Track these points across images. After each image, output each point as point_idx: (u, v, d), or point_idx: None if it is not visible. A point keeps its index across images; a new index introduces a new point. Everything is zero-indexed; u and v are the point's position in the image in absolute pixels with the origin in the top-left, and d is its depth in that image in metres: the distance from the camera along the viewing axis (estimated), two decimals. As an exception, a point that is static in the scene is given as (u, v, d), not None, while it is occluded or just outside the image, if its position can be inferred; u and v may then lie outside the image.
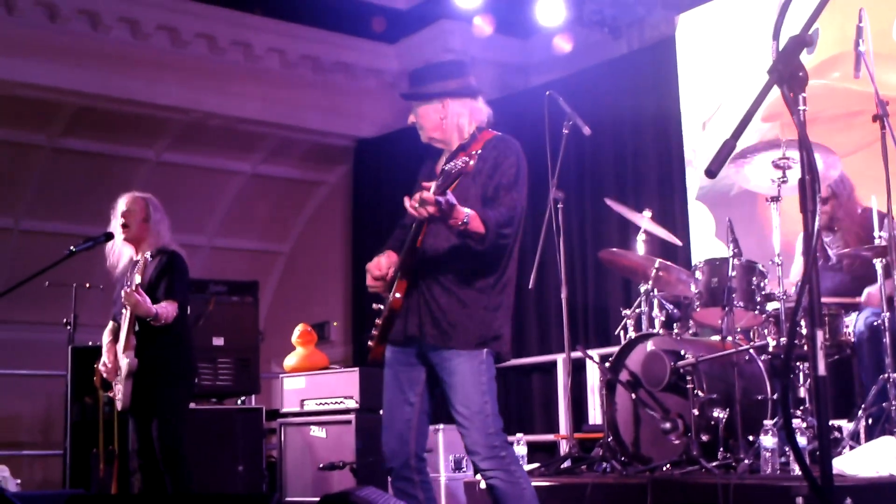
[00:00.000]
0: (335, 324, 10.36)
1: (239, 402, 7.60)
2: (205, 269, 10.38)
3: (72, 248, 5.48)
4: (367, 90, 10.22)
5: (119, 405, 5.34)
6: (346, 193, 10.92)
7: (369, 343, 3.93)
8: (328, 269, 11.10)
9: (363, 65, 10.03)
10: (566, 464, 5.76)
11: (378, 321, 3.88)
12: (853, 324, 5.33)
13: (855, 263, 5.55)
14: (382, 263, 3.86)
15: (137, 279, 5.20)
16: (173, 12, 9.04)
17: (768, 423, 4.65)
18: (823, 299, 5.31)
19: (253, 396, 7.70)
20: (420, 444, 3.88)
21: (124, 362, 5.24)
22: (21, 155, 9.57)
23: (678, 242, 6.43)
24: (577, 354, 6.30)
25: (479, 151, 3.62)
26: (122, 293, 5.23)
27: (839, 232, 5.72)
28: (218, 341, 7.53)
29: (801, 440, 4.55)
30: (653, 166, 7.97)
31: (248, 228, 11.25)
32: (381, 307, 3.87)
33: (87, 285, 7.40)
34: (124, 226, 5.49)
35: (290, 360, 7.14)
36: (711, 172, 2.49)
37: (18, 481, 6.64)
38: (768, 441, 4.62)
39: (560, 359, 7.61)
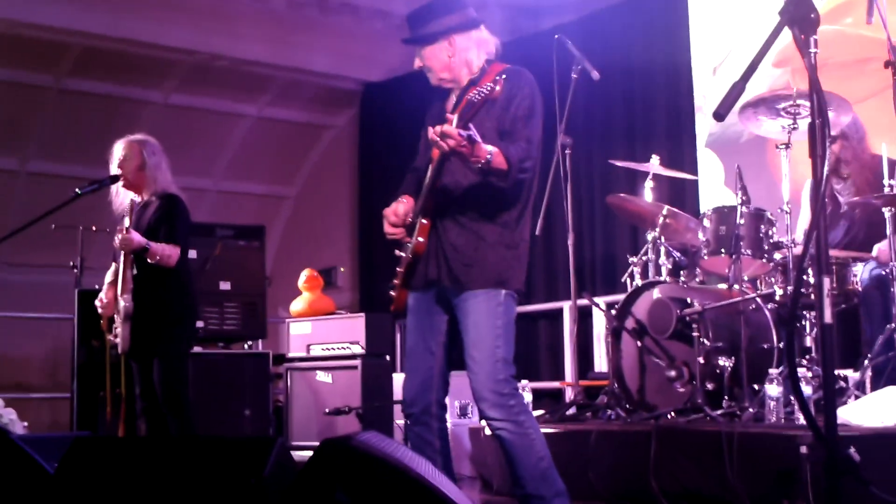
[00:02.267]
0: (342, 269, 10.34)
1: (246, 346, 7.62)
2: (211, 212, 10.37)
3: (77, 190, 5.44)
4: (374, 32, 10.11)
5: (119, 348, 5.35)
6: (354, 137, 10.86)
7: (391, 293, 3.86)
8: (335, 214, 11.06)
9: (370, 6, 9.91)
10: (571, 411, 5.76)
11: (399, 269, 3.80)
12: (860, 273, 5.31)
13: (867, 211, 5.51)
14: (400, 210, 3.78)
15: (126, 222, 5.19)
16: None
17: (773, 371, 4.64)
18: (833, 252, 5.33)
19: (260, 341, 7.72)
20: (442, 391, 3.82)
21: (122, 305, 5.23)
22: (28, 96, 9.50)
23: (693, 177, 6.38)
24: (583, 302, 6.28)
25: (503, 76, 3.48)
26: (115, 237, 5.22)
27: (849, 179, 5.65)
28: (225, 286, 7.54)
29: (807, 389, 4.53)
30: (662, 112, 7.90)
31: (254, 172, 11.19)
32: (403, 254, 3.79)
33: (94, 228, 7.38)
34: (122, 172, 5.46)
35: (297, 305, 7.14)
36: (720, 115, 2.46)
37: (26, 424, 6.66)
38: (773, 390, 4.61)
39: (567, 306, 7.59)
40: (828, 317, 2.36)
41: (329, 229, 11.19)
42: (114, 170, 5.51)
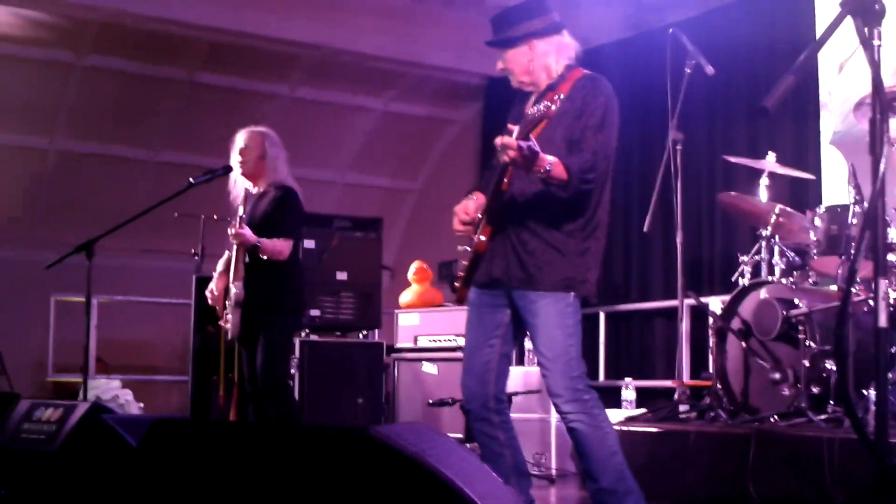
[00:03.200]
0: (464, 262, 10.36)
1: (361, 336, 7.72)
2: (335, 204, 10.52)
3: (191, 179, 5.60)
4: (498, 26, 10.09)
5: (228, 334, 5.49)
6: (478, 131, 10.87)
7: (455, 284, 3.94)
8: (459, 208, 11.07)
9: (494, 0, 9.90)
10: (673, 410, 5.67)
11: (464, 263, 3.86)
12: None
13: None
14: (470, 207, 3.82)
15: (241, 211, 5.32)
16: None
17: (880, 377, 4.48)
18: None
19: (375, 331, 7.80)
20: (500, 385, 3.85)
21: (232, 292, 5.37)
22: (159, 89, 9.81)
23: (809, 177, 6.20)
24: (690, 301, 6.16)
25: (563, 96, 3.55)
26: (228, 230, 5.36)
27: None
28: (341, 276, 7.65)
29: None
30: (787, 109, 7.67)
31: (379, 165, 11.32)
32: (468, 249, 3.84)
33: (215, 216, 7.58)
34: (242, 162, 5.59)
35: (406, 297, 7.20)
36: (766, 110, 2.37)
37: (142, 405, 6.91)
38: (880, 396, 4.45)
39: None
40: (882, 321, 2.26)
41: (452, 223, 11.19)
42: (234, 159, 5.65)
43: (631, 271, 8.61)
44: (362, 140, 11.08)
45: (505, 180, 3.72)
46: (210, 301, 5.60)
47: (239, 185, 5.67)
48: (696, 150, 7.26)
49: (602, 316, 8.44)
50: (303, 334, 7.31)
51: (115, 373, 8.47)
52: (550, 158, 3.52)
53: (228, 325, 5.47)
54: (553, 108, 3.47)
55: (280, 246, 5.39)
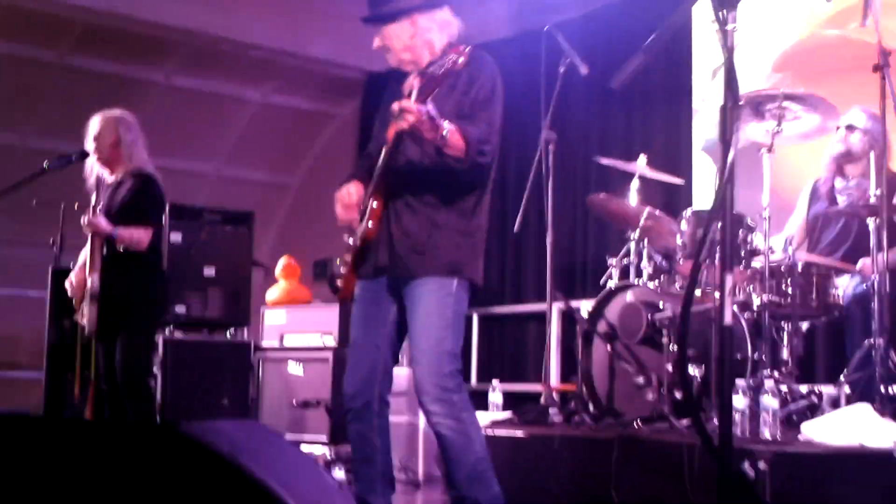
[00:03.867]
0: (338, 260, 10.20)
1: (228, 334, 7.50)
2: (210, 197, 10.24)
3: (45, 164, 5.35)
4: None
5: (85, 329, 5.26)
6: (356, 127, 10.72)
7: (337, 282, 3.72)
8: (337, 204, 10.91)
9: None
10: (542, 414, 5.60)
11: (347, 255, 3.66)
12: (844, 288, 5.14)
13: (860, 221, 5.31)
14: (352, 191, 3.63)
15: (93, 199, 5.10)
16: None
17: (741, 382, 4.47)
18: (817, 259, 5.15)
19: (245, 329, 7.59)
20: (384, 386, 3.68)
21: (88, 284, 5.15)
22: (31, 71, 9.41)
23: (679, 181, 6.21)
24: (560, 304, 6.11)
25: (463, 59, 3.37)
26: (81, 219, 5.13)
27: (854, 181, 5.45)
28: (209, 271, 7.42)
29: (773, 402, 4.36)
30: (660, 113, 7.72)
31: (257, 159, 11.07)
32: (351, 239, 3.64)
33: (77, 205, 7.29)
34: (96, 148, 5.36)
35: (272, 294, 7.02)
36: (612, 87, 2.31)
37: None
38: (739, 402, 4.44)
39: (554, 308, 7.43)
40: (727, 318, 2.20)
41: (331, 219, 11.01)
42: (88, 145, 5.42)
43: (505, 273, 8.56)
44: (240, 132, 10.81)
45: (393, 157, 3.53)
46: (69, 292, 5.36)
47: (96, 171, 5.45)
48: (570, 151, 7.20)
49: (475, 318, 8.37)
50: (167, 331, 7.07)
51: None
52: (447, 124, 3.36)
53: (85, 320, 5.24)
54: (461, 60, 3.32)
55: (138, 235, 5.18)
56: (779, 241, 5.18)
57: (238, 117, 10.66)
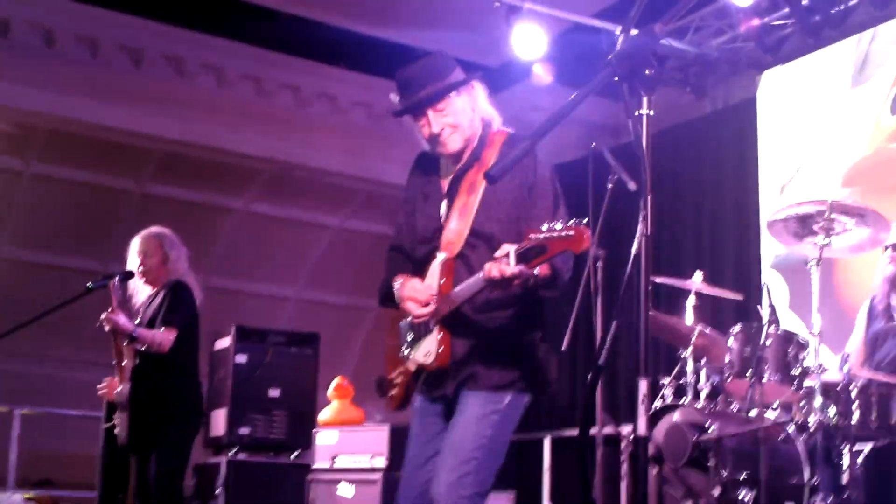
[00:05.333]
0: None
1: (293, 456, 7.42)
2: (293, 321, 10.29)
3: (88, 284, 5.41)
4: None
5: (118, 440, 5.23)
6: (434, 249, 10.71)
7: (392, 391, 3.48)
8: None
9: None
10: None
11: (408, 366, 3.41)
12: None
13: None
14: (419, 287, 3.35)
15: (113, 297, 5.12)
16: (258, 61, 9.06)
17: (789, 508, 4.20)
18: (874, 376, 4.86)
19: (310, 451, 7.48)
20: None
21: (116, 392, 5.14)
22: (111, 200, 9.69)
23: (738, 297, 5.97)
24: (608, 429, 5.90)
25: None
26: (102, 317, 5.14)
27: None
28: (274, 393, 7.39)
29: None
30: (730, 231, 7.54)
31: (337, 282, 11.12)
32: (407, 344, 3.42)
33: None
34: (143, 270, 5.41)
35: (324, 415, 6.93)
36: (491, 177, 2.20)
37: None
38: (787, 529, 4.17)
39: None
40: (641, 427, 2.03)
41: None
42: (133, 265, 5.47)
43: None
44: (319, 256, 10.91)
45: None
46: (100, 393, 5.37)
47: (139, 290, 5.49)
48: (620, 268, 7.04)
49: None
50: (231, 453, 7.04)
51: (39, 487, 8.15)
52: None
53: (118, 430, 5.23)
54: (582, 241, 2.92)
55: (161, 337, 5.14)
56: (835, 359, 4.92)
57: (317, 242, 10.76)
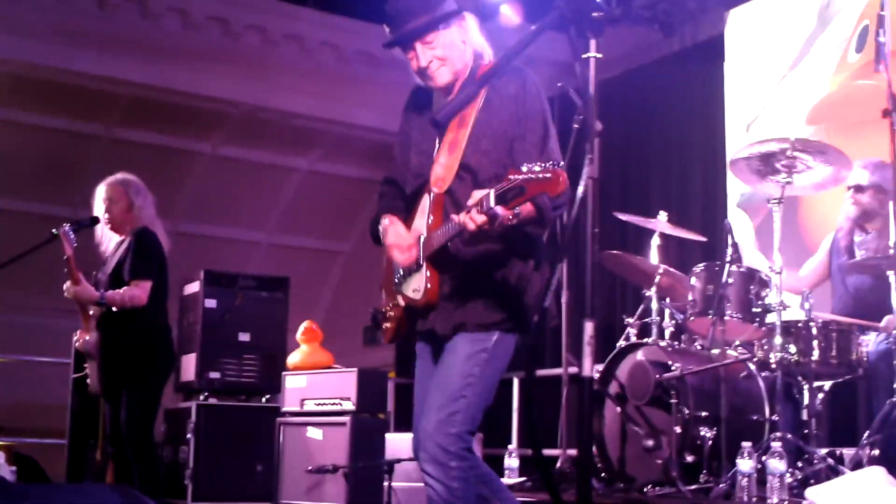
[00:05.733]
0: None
1: (264, 400, 7.43)
2: (264, 265, 10.26)
3: (53, 230, 5.36)
4: (423, 87, 9.97)
5: (90, 388, 5.24)
6: (408, 192, 10.69)
7: (386, 324, 3.42)
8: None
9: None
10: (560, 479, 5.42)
11: (395, 306, 3.34)
12: (869, 345, 4.88)
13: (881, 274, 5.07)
14: (402, 232, 3.27)
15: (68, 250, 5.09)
16: (224, 3, 8.95)
17: (746, 445, 4.25)
18: (835, 317, 4.91)
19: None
20: None
21: (85, 341, 5.14)
22: (77, 144, 9.60)
23: (702, 238, 5.99)
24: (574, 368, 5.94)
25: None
26: (64, 290, 5.12)
27: (873, 233, 5.22)
28: (244, 337, 7.37)
29: (780, 465, 4.13)
30: (697, 171, 7.55)
31: (308, 226, 11.09)
32: (399, 278, 3.33)
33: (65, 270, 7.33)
34: (108, 217, 5.37)
35: (293, 358, 6.93)
36: (437, 123, 2.21)
37: (14, 468, 6.57)
38: (745, 465, 4.23)
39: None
40: (586, 369, 2.04)
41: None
42: (98, 212, 5.43)
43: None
44: (290, 200, 10.86)
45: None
46: (76, 346, 5.38)
47: (106, 236, 5.46)
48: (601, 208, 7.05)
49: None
50: (201, 397, 7.04)
51: (6, 435, 8.10)
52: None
53: (89, 380, 5.23)
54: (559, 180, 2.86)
55: (131, 293, 5.12)
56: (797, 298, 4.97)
57: (286, 185, 10.71)
